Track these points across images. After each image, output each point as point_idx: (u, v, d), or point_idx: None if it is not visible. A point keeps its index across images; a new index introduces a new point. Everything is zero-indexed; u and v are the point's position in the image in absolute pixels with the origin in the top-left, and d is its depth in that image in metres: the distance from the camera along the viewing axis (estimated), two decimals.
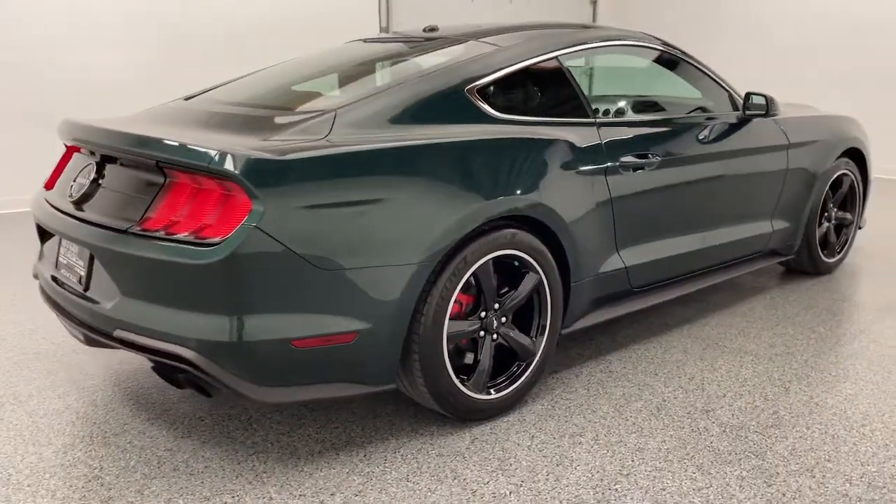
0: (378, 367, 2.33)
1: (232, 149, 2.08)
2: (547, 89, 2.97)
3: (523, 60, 2.86)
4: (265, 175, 2.07)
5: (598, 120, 2.97)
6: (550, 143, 2.72)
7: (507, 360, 2.67)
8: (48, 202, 2.66)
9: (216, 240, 2.04)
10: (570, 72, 3.00)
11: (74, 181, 2.51)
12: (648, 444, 2.47)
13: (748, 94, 3.60)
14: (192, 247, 2.06)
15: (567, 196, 2.72)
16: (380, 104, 2.51)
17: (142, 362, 3.07)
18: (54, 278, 2.57)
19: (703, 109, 3.64)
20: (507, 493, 2.20)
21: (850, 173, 4.35)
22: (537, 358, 2.70)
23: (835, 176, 4.22)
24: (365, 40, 3.52)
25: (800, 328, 3.56)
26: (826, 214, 4.32)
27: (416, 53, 3.13)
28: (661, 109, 3.95)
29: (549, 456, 2.40)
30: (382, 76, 2.95)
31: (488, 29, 3.20)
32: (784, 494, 2.19)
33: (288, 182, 2.10)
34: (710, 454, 2.42)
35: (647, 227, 3.14)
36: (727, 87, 3.69)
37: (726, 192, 3.55)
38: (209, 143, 2.14)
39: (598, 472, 2.31)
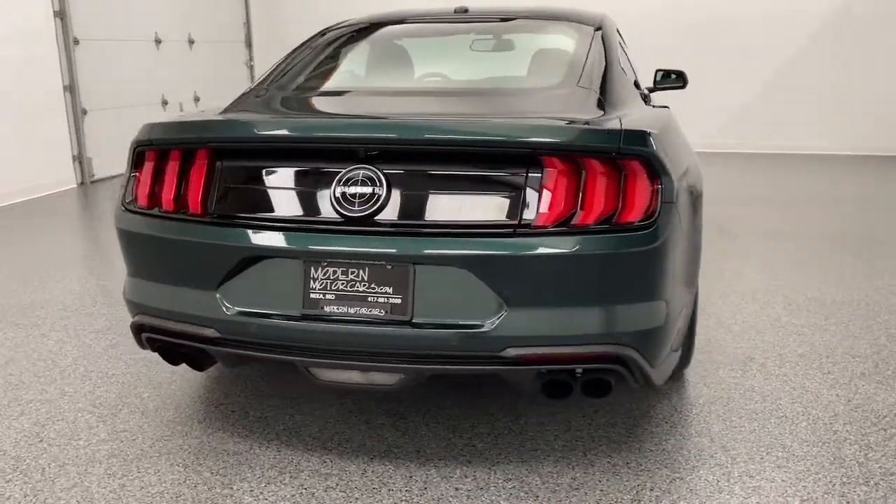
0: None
1: (637, 128, 2.02)
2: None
3: (619, 44, 3.06)
4: (663, 151, 2.04)
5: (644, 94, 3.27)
6: None
7: None
8: (247, 222, 2.16)
9: (640, 223, 1.95)
10: None
11: (335, 188, 2.06)
12: (814, 379, 2.90)
13: (658, 70, 4.14)
14: (619, 234, 1.94)
15: None
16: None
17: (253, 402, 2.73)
18: (305, 317, 2.10)
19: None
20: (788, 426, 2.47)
21: None
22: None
23: None
24: (406, 20, 3.37)
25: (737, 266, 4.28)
26: None
27: (505, 31, 3.29)
28: None
29: (768, 396, 2.70)
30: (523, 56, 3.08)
31: (520, 10, 3.36)
32: None
33: (670, 157, 2.09)
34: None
35: None
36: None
37: None
38: (599, 125, 2.08)
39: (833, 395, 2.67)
